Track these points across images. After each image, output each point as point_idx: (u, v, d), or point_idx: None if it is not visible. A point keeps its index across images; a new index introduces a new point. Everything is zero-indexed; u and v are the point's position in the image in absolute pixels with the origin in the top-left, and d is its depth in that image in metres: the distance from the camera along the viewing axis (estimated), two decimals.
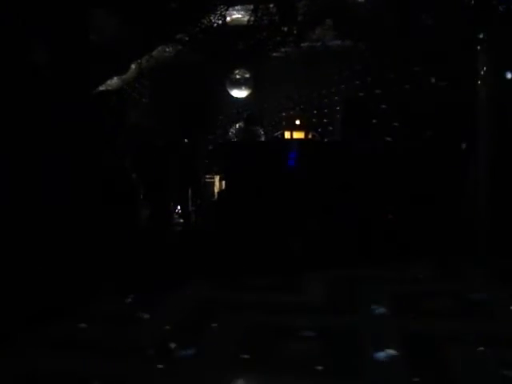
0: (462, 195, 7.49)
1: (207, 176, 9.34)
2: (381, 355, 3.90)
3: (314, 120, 9.66)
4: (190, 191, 8.89)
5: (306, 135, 8.98)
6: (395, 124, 8.01)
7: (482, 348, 4.01)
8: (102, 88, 7.83)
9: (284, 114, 9.73)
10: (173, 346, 4.17)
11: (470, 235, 7.09)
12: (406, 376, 3.64)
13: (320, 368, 3.74)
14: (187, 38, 7.94)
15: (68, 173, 5.95)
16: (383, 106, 8.10)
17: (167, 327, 4.62)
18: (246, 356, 3.97)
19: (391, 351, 3.95)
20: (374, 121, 8.04)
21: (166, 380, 3.67)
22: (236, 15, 8.22)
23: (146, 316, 4.88)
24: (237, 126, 9.33)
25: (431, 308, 5.03)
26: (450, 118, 7.60)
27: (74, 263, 5.54)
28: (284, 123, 9.47)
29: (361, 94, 8.64)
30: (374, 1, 7.79)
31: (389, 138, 7.98)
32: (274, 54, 8.57)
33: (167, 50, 8.24)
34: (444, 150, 7.59)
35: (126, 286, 5.67)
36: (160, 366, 3.82)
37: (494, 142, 7.24)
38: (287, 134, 9.03)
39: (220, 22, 7.99)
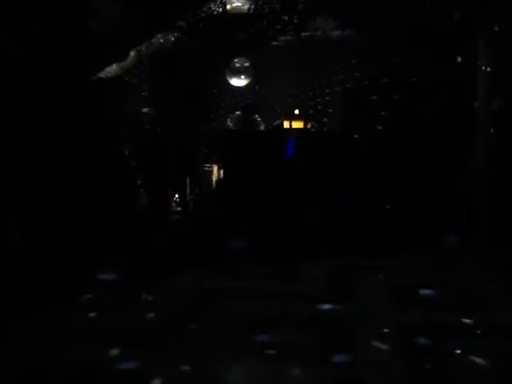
0: (461, 185, 7.49)
1: (206, 165, 9.33)
2: (377, 345, 3.92)
3: (313, 109, 9.64)
4: (188, 180, 8.89)
5: (304, 125, 8.97)
6: (394, 114, 7.98)
7: (479, 339, 4.03)
8: (101, 75, 7.80)
9: (283, 104, 9.72)
10: (171, 333, 4.19)
11: (467, 224, 7.10)
12: (402, 366, 3.66)
13: (316, 356, 3.76)
14: (187, 26, 7.92)
15: (65, 161, 5.95)
16: (382, 96, 8.06)
17: (166, 315, 4.63)
18: (243, 343, 3.99)
19: (387, 341, 3.97)
20: (373, 111, 8.02)
21: (164, 367, 3.68)
22: (236, 3, 8.18)
23: (144, 305, 4.89)
24: (236, 113, 9.32)
25: (428, 299, 5.04)
26: (448, 110, 7.60)
27: (71, 251, 5.56)
28: (283, 112, 9.46)
29: (360, 84, 8.58)
30: None
31: (387, 128, 7.96)
32: (274, 43, 8.54)
33: (167, 37, 8.21)
34: (443, 140, 7.58)
35: (123, 274, 5.66)
36: (159, 353, 3.83)
37: (493, 131, 7.23)
38: (286, 124, 9.02)
39: (220, 9, 7.97)
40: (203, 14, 7.98)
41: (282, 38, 8.42)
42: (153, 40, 8.14)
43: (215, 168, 9.26)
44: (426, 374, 3.56)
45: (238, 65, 8.89)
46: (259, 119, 9.19)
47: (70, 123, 6.27)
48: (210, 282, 5.65)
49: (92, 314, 4.56)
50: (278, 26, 7.99)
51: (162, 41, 8.19)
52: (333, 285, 5.53)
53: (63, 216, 5.77)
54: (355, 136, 7.92)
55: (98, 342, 4.00)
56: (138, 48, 8.12)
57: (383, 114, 7.92)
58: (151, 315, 4.60)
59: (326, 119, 9.51)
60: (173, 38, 8.25)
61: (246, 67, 8.89)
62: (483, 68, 7.15)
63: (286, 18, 7.85)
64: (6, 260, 5.28)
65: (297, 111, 9.14)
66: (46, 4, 6.19)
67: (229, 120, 9.38)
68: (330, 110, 9.49)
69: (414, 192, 7.54)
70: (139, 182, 8.16)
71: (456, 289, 5.30)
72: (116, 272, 5.63)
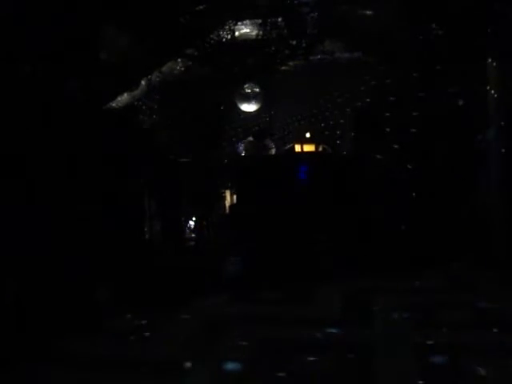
0: (476, 205, 7.45)
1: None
2: (395, 369, 3.86)
3: (325, 133, 9.64)
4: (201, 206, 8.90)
5: (316, 148, 8.97)
6: (406, 134, 7.97)
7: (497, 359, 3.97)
8: (112, 104, 7.88)
9: (294, 127, 9.73)
10: (183, 360, 4.15)
11: (482, 240, 7.05)
12: None
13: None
14: (196, 53, 7.99)
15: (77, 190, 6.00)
16: (393, 117, 8.07)
17: (178, 341, 4.61)
18: (256, 370, 3.96)
19: (406, 364, 3.91)
20: (384, 131, 8.03)
21: None
22: (245, 30, 8.24)
23: (158, 330, 4.87)
24: (247, 139, 9.35)
25: (445, 319, 4.97)
26: (460, 126, 7.58)
27: (83, 280, 5.57)
28: (294, 136, 9.48)
29: (371, 106, 8.58)
30: (383, 13, 7.80)
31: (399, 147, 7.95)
32: (284, 68, 8.58)
33: (177, 65, 8.29)
34: (455, 157, 7.56)
35: (137, 301, 5.66)
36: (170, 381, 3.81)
37: (505, 145, 7.21)
38: (297, 147, 9.03)
39: (229, 36, 8.03)
40: (212, 41, 8.05)
41: (291, 63, 8.45)
42: (163, 68, 8.22)
43: (228, 193, 9.27)
44: None
45: (248, 90, 8.92)
46: (271, 144, 9.21)
47: (81, 151, 6.33)
48: (223, 307, 5.62)
49: (100, 342, 4.56)
50: (287, 51, 8.03)
51: (171, 68, 8.27)
52: (348, 308, 5.48)
53: (73, 243, 5.80)
54: (367, 158, 7.92)
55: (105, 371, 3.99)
56: (149, 76, 8.19)
57: (394, 135, 7.93)
58: (163, 342, 4.59)
59: (337, 142, 9.50)
60: (183, 66, 8.32)
61: (256, 92, 8.93)
62: (492, 91, 7.19)
63: (294, 42, 7.91)
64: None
65: (308, 134, 9.15)
66: (58, 35, 6.29)
67: (241, 145, 9.41)
68: (341, 133, 9.48)
69: (428, 212, 7.50)
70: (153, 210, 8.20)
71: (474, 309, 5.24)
72: (129, 299, 5.64)
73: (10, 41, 5.70)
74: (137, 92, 8.14)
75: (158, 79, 8.20)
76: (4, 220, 5.29)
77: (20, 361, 4.16)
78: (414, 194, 7.62)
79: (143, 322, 5.10)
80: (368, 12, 7.86)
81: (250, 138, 9.26)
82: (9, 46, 5.69)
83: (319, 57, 8.42)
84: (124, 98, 8.08)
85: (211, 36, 8.02)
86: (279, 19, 7.95)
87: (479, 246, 7.05)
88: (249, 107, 9.16)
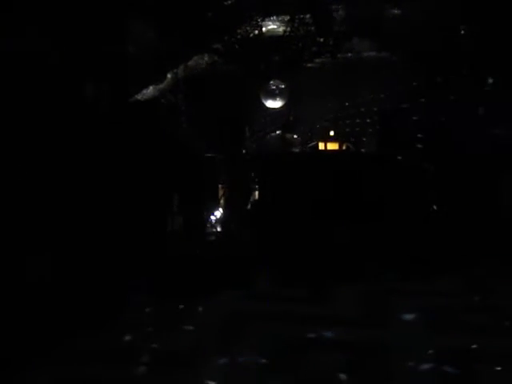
0: (500, 206, 7.37)
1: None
2: (410, 371, 3.84)
3: (348, 131, 9.59)
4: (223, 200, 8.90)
5: (339, 146, 8.94)
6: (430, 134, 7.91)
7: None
8: (138, 97, 7.92)
9: (318, 125, 9.70)
10: (201, 356, 4.17)
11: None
12: None
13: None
14: (223, 48, 8.01)
15: (98, 184, 6.05)
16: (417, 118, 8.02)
17: (196, 337, 4.62)
18: (272, 368, 3.96)
19: (421, 367, 3.89)
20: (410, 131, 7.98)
21: None
22: (272, 26, 8.24)
23: (174, 326, 4.89)
24: (271, 135, 9.34)
25: (465, 323, 4.93)
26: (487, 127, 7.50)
27: (105, 273, 5.62)
28: (318, 134, 9.45)
29: (396, 105, 8.53)
30: (413, 13, 7.75)
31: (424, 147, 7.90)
32: (310, 65, 8.56)
33: (203, 59, 8.30)
34: (479, 161, 7.49)
35: (156, 295, 5.69)
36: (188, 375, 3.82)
37: None
38: (321, 145, 9.00)
39: (256, 32, 8.04)
40: (239, 37, 8.07)
41: (318, 60, 8.42)
42: (189, 62, 8.24)
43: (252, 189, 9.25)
44: None
45: (273, 87, 8.90)
46: (296, 138, 9.20)
47: (107, 144, 6.40)
48: (241, 304, 5.62)
49: (124, 337, 4.59)
50: (314, 48, 8.02)
51: (198, 63, 8.29)
52: (366, 309, 5.45)
53: (96, 237, 5.85)
54: (391, 157, 7.88)
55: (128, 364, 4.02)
56: (175, 70, 8.22)
57: (419, 134, 7.88)
58: (183, 337, 4.61)
59: (361, 140, 9.46)
60: (209, 60, 8.33)
61: (282, 89, 8.89)
62: None
63: (322, 40, 7.89)
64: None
65: (332, 132, 9.11)
66: (86, 29, 6.36)
67: (265, 141, 9.40)
68: (366, 131, 9.43)
69: (451, 214, 7.44)
70: (175, 204, 8.22)
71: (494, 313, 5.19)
72: (148, 294, 5.67)
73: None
74: (162, 85, 8.19)
75: (183, 73, 8.23)
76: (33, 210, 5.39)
77: (46, 350, 4.22)
78: (437, 195, 7.56)
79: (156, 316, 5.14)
80: (397, 11, 7.81)
81: (275, 133, 9.26)
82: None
83: (346, 55, 8.40)
84: (149, 91, 8.12)
85: (238, 31, 8.04)
86: (307, 16, 7.94)
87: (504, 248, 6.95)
88: (274, 103, 9.13)
